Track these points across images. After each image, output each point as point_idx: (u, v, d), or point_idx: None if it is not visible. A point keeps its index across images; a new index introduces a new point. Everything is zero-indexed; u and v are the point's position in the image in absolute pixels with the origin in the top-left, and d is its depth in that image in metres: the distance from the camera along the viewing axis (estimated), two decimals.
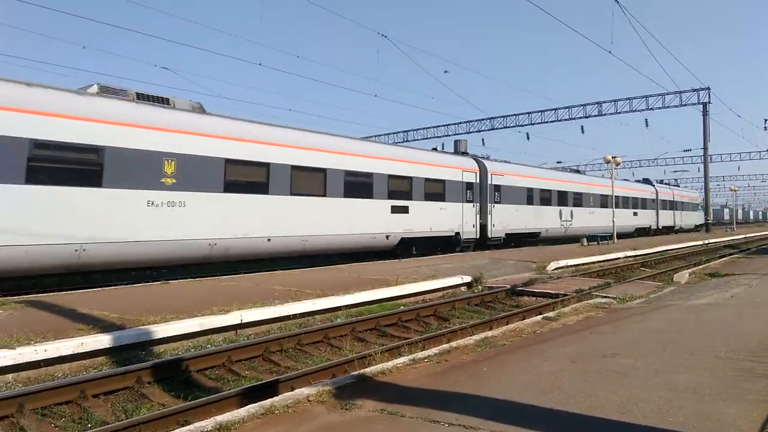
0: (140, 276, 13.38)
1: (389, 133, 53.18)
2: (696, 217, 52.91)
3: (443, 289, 12.61)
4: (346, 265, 16.20)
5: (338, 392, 4.68)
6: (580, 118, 43.91)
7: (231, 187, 14.04)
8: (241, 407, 4.46)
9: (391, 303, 10.92)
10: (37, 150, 10.73)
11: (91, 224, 11.40)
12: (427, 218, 20.42)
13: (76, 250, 11.16)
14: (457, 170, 22.25)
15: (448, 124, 50.16)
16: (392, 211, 18.83)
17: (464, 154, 24.99)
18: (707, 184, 42.92)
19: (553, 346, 6.44)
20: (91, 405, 5.42)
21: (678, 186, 56.39)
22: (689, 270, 16.69)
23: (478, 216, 23.15)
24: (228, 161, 13.98)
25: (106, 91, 12.59)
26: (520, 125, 46.68)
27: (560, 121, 44.75)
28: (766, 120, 57.96)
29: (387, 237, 18.67)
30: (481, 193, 23.42)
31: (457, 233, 21.98)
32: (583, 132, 46.34)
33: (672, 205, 46.52)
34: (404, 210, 19.30)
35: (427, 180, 20.47)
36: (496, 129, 47.98)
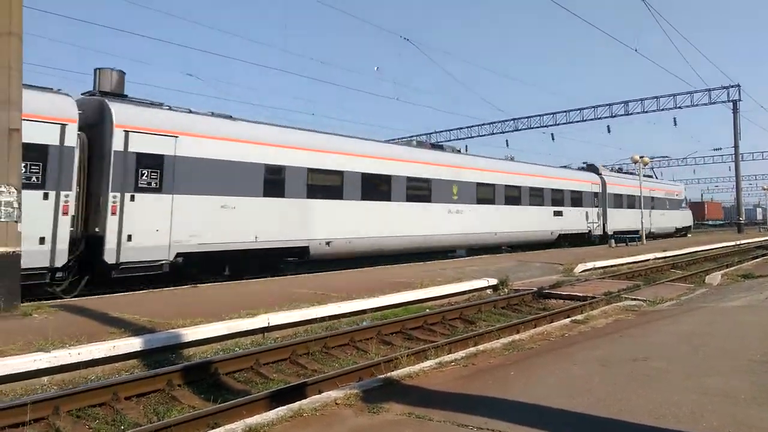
0: (169, 280, 13.60)
1: (411, 137, 53.16)
2: (679, 218, 40.66)
3: (469, 291, 12.55)
4: (372, 268, 16.26)
5: (365, 395, 4.70)
6: (606, 117, 43.40)
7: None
8: (270, 410, 4.50)
9: (416, 306, 10.90)
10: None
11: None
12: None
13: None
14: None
15: (471, 126, 50.02)
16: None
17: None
18: (739, 183, 42.01)
19: (581, 350, 6.36)
20: (124, 407, 5.53)
21: (652, 176, 40.58)
22: (721, 271, 16.32)
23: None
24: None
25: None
26: (545, 126, 46.31)
27: (585, 121, 44.30)
28: None
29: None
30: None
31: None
32: (609, 132, 45.65)
33: (633, 202, 33.40)
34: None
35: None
36: (520, 130, 47.69)
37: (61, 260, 10.93)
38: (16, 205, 8.85)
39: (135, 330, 7.34)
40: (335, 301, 9.83)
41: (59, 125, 10.96)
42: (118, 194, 11.68)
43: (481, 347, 6.49)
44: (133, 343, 6.86)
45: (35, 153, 10.52)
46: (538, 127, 46.59)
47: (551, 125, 46.01)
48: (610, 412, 4.16)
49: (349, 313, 9.64)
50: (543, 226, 25.74)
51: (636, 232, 30.87)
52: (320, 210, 15.78)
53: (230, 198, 13.62)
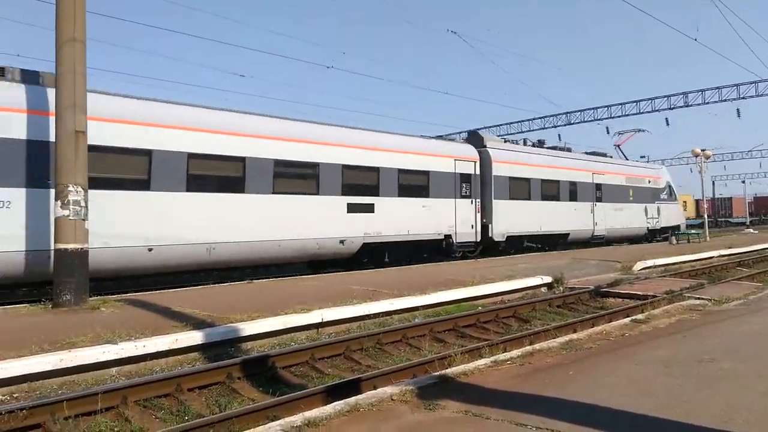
0: (225, 276, 14.07)
1: (460, 132, 52.69)
2: (655, 215, 29.65)
3: (522, 289, 12.36)
4: (415, 266, 16.26)
5: (421, 392, 4.70)
6: (665, 109, 41.69)
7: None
8: (326, 404, 4.57)
9: (468, 303, 10.83)
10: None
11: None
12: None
13: None
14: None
15: (522, 120, 49.04)
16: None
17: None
18: None
19: (643, 350, 6.16)
20: (187, 398, 5.74)
21: (604, 154, 28.77)
22: None
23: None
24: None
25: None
26: (599, 119, 44.92)
27: (641, 113, 42.69)
28: None
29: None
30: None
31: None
32: (668, 124, 43.81)
33: (560, 191, 23.19)
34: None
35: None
36: (573, 124, 46.43)
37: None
38: (83, 203, 9.24)
39: (195, 324, 7.60)
40: (387, 297, 9.87)
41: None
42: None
43: (537, 346, 6.37)
44: (194, 337, 7.11)
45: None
46: (591, 121, 45.22)
47: (606, 118, 44.59)
48: (675, 414, 4.01)
49: (401, 309, 9.68)
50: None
51: (566, 235, 23.19)
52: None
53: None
